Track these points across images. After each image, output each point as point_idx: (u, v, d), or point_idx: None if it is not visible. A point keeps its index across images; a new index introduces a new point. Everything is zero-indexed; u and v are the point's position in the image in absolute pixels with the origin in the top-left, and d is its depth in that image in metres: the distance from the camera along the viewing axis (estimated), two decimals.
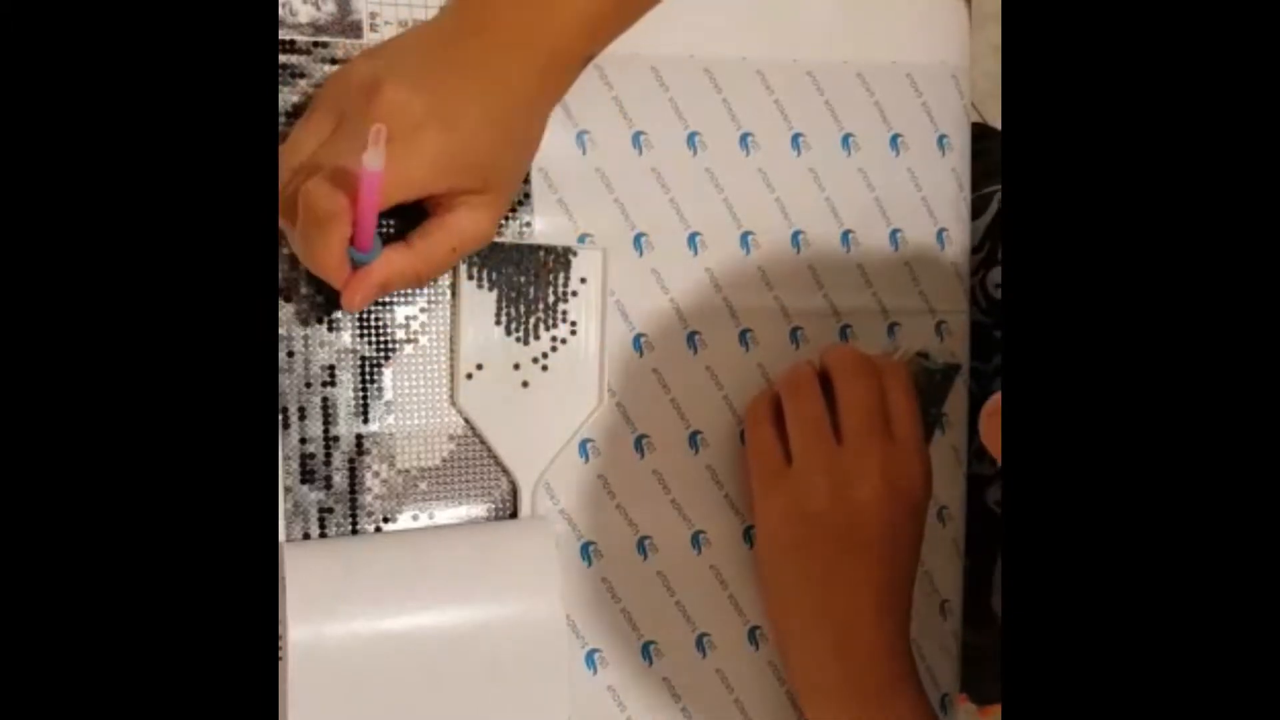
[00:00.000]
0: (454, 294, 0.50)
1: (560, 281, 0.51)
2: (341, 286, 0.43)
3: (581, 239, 0.52)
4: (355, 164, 0.39)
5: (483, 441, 0.50)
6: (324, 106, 0.44)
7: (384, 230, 0.47)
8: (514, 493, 0.51)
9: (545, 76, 0.47)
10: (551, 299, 0.51)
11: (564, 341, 0.51)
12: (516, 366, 0.50)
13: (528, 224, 0.51)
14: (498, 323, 0.50)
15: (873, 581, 0.49)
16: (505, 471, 0.51)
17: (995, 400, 0.36)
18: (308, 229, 0.41)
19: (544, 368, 0.51)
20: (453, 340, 0.50)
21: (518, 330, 0.50)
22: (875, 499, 0.48)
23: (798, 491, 0.49)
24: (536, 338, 0.51)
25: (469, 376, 0.50)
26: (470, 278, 0.50)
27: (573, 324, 0.51)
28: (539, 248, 0.51)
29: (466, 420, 0.50)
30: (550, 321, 0.51)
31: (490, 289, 0.50)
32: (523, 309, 0.50)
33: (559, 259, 0.51)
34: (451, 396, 0.50)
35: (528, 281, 0.50)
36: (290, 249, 0.45)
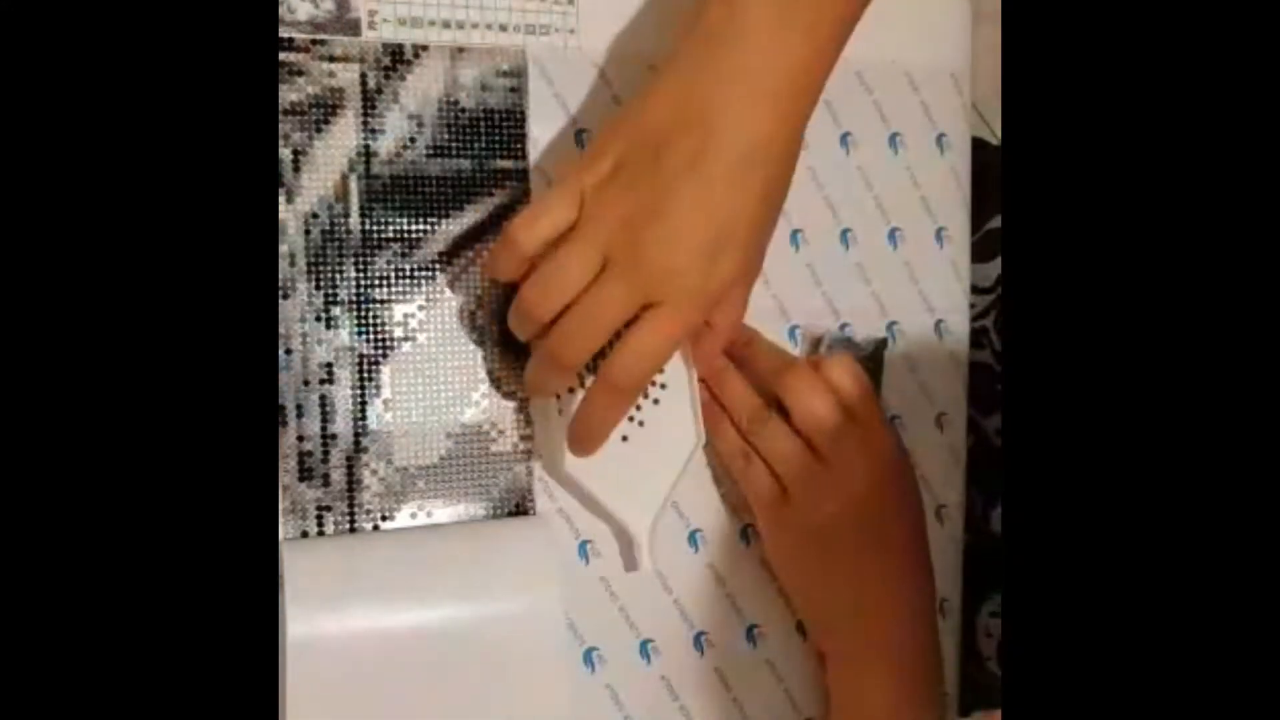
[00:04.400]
0: None
1: None
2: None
3: None
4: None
5: (595, 500, 0.50)
6: (610, 150, 0.44)
7: None
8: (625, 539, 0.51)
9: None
10: None
11: (655, 401, 0.50)
12: None
13: None
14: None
15: (893, 554, 0.52)
16: (619, 524, 0.51)
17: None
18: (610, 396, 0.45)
19: (640, 423, 0.50)
20: (547, 408, 0.50)
21: None
22: (869, 482, 0.51)
23: (805, 512, 0.51)
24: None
25: None
26: None
27: (662, 385, 0.50)
28: None
29: (577, 484, 0.50)
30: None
31: None
32: None
33: None
34: (552, 467, 0.50)
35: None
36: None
